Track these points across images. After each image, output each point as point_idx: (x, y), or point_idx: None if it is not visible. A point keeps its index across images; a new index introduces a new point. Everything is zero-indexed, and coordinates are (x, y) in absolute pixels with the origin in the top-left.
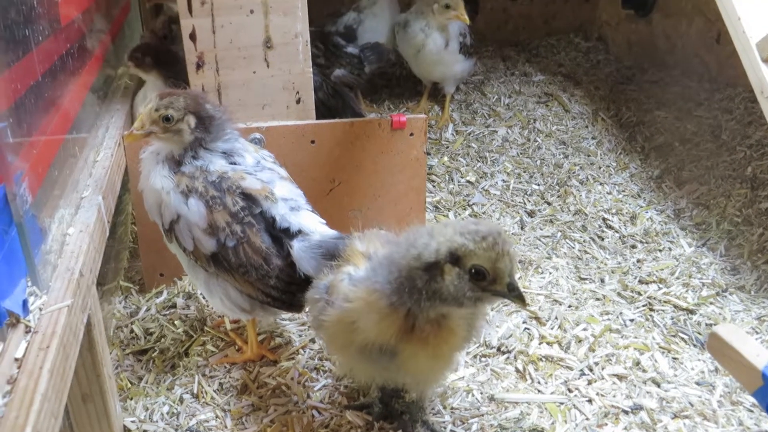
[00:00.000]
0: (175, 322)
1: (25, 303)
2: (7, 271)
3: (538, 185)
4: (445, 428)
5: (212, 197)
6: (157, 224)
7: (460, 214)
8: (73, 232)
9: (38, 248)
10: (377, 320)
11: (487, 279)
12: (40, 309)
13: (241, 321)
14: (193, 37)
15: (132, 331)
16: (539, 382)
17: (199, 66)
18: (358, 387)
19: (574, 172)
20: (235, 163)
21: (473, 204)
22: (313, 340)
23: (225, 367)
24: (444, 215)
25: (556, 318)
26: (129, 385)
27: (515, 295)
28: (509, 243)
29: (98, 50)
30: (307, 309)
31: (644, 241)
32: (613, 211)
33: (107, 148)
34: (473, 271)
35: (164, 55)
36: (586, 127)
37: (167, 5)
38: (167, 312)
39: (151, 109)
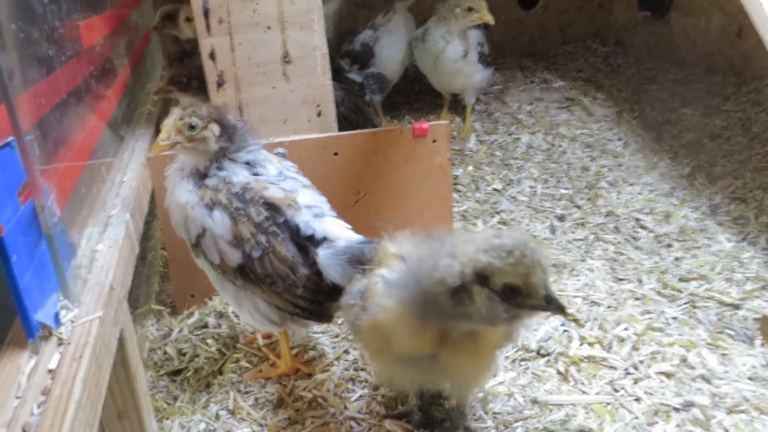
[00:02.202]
0: (208, 341)
1: (56, 315)
2: (38, 285)
3: (567, 189)
4: None
5: (236, 209)
6: (184, 240)
7: (488, 222)
8: (102, 248)
9: (68, 263)
10: (408, 334)
11: (522, 295)
12: (72, 321)
13: (274, 336)
14: (212, 56)
15: (165, 352)
16: (583, 383)
17: (219, 84)
18: (395, 396)
19: (602, 174)
20: (257, 174)
21: (501, 211)
22: (347, 351)
23: (260, 383)
24: (472, 224)
25: (596, 319)
26: (165, 406)
27: (554, 306)
28: (538, 252)
29: (120, 76)
30: (341, 315)
31: (681, 239)
32: (646, 210)
33: (133, 169)
34: (505, 289)
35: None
36: (611, 129)
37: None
38: (199, 332)
39: (176, 119)
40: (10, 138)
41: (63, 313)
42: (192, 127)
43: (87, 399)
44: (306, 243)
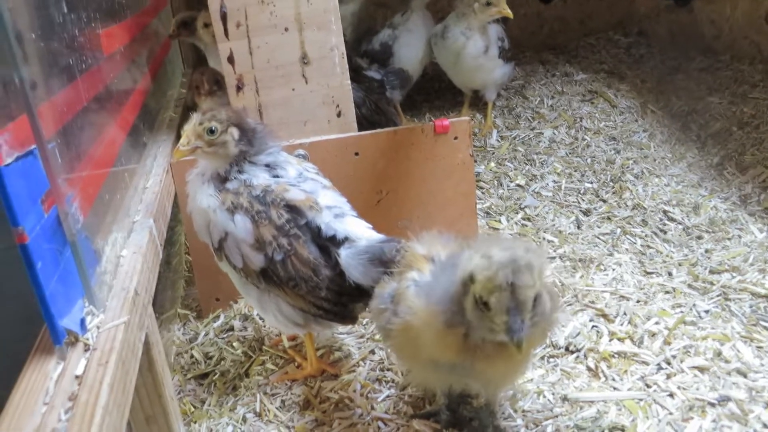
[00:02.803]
0: (234, 344)
1: (82, 321)
2: (63, 291)
3: (591, 183)
4: None
5: (257, 212)
6: (207, 244)
7: (512, 218)
8: (127, 254)
9: (93, 269)
10: (434, 339)
11: (489, 311)
12: (98, 327)
13: (299, 338)
14: (231, 60)
15: (192, 356)
16: (614, 380)
17: (239, 88)
18: (423, 395)
19: (627, 167)
20: (278, 176)
21: (525, 207)
22: (373, 352)
23: (286, 384)
24: (496, 220)
25: (625, 314)
26: (192, 409)
27: (510, 337)
28: (524, 278)
29: (141, 83)
30: (372, 319)
31: (710, 230)
32: (674, 202)
33: (156, 175)
34: (478, 300)
35: None
36: (636, 120)
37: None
38: (225, 335)
39: (195, 124)
40: (33, 146)
41: (89, 319)
42: (212, 132)
43: (114, 404)
44: (327, 244)
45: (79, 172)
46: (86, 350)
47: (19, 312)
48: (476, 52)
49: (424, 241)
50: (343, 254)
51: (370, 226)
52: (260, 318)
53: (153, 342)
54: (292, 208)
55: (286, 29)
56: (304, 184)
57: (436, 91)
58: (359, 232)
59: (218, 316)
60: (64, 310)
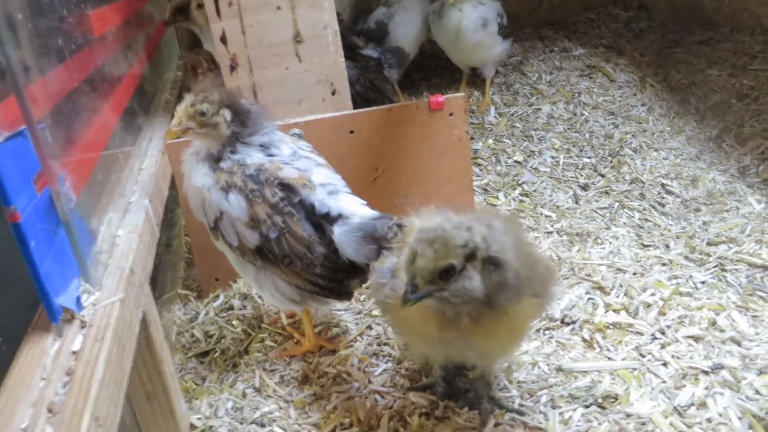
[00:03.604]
0: (233, 323)
1: (78, 299)
2: (59, 270)
3: (589, 158)
4: (513, 402)
5: (251, 190)
6: (203, 224)
7: (509, 194)
8: (123, 234)
9: (89, 249)
10: (415, 314)
11: None
12: (94, 305)
13: (298, 315)
14: (224, 40)
15: (193, 335)
16: (608, 350)
17: (232, 68)
18: (419, 369)
19: (626, 141)
20: (271, 155)
21: (523, 183)
22: (370, 327)
23: (285, 361)
24: (494, 197)
25: (621, 286)
26: (194, 386)
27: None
28: (422, 248)
29: (135, 66)
30: (371, 294)
31: (708, 202)
32: (672, 176)
33: (151, 156)
34: None
35: None
36: (635, 95)
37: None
38: (225, 314)
39: (187, 105)
40: (22, 127)
41: (85, 297)
42: (203, 114)
43: (110, 378)
44: (322, 221)
45: (70, 153)
46: (82, 327)
47: (24, 298)
48: (474, 27)
49: (423, 217)
50: (337, 231)
51: (364, 202)
52: (259, 297)
53: (150, 320)
54: (286, 186)
55: (279, 7)
56: (298, 162)
57: (433, 69)
58: (353, 208)
59: (218, 296)
60: (59, 288)
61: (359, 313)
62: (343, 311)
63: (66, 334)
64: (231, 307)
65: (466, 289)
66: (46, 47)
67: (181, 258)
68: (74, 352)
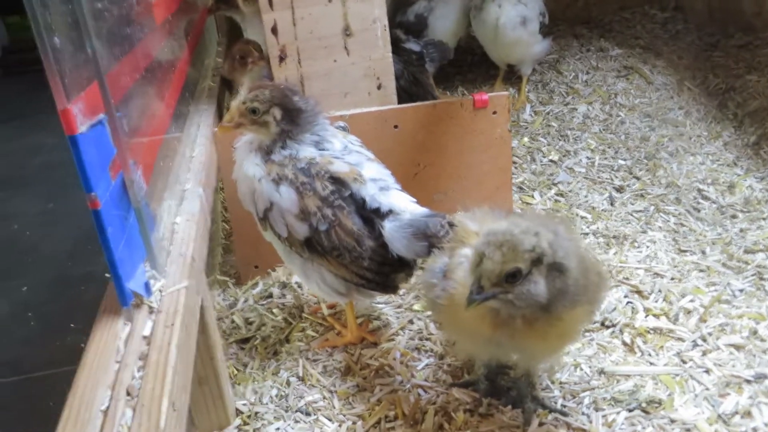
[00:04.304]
0: (274, 311)
1: (147, 285)
2: (129, 256)
3: (625, 160)
4: (555, 403)
5: (302, 183)
6: (251, 213)
7: (545, 194)
8: (181, 221)
9: (152, 235)
10: (470, 313)
11: None
12: (160, 291)
13: (338, 305)
14: (274, 30)
15: (233, 321)
16: (650, 355)
17: (281, 59)
18: (462, 365)
19: (662, 145)
20: (323, 149)
21: (558, 183)
22: (411, 322)
23: (327, 351)
24: (529, 195)
25: (660, 291)
26: (236, 372)
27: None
28: (491, 251)
29: (186, 51)
30: (423, 292)
31: (745, 210)
32: (709, 181)
33: (201, 144)
34: None
35: None
36: (672, 98)
37: None
38: (264, 302)
39: (240, 102)
40: (102, 114)
41: (151, 282)
42: (253, 111)
43: (181, 365)
44: (372, 216)
45: (139, 140)
46: (150, 312)
47: (52, 274)
48: (512, 24)
49: (475, 217)
50: (387, 227)
51: (414, 199)
52: (299, 286)
53: (206, 306)
54: (337, 180)
55: (330, 0)
56: (349, 156)
57: (468, 65)
58: (403, 205)
59: (257, 284)
60: (129, 273)
61: (399, 306)
62: (383, 304)
63: (136, 318)
64: (270, 295)
65: (531, 293)
66: (119, 36)
67: (218, 244)
68: (145, 337)
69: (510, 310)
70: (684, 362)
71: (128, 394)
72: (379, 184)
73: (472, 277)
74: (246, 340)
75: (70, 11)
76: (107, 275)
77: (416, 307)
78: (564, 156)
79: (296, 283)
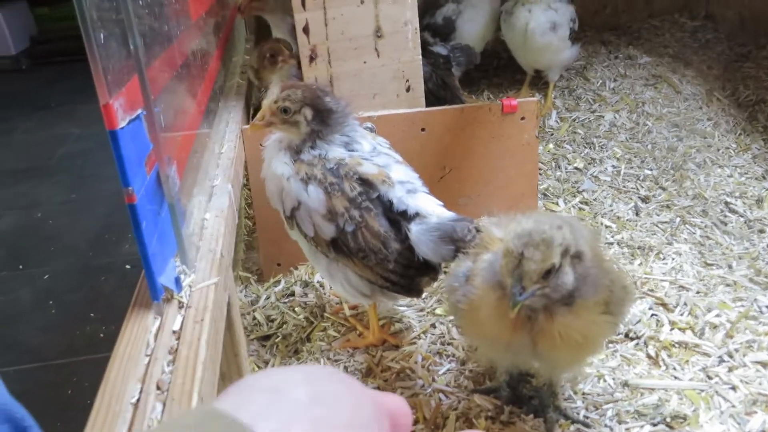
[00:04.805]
0: (296, 309)
1: (177, 280)
2: (160, 250)
3: (651, 170)
4: (578, 413)
5: (330, 183)
6: (279, 211)
7: (569, 201)
8: (210, 217)
9: (184, 230)
10: (490, 314)
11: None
12: (190, 286)
13: (360, 306)
14: (306, 30)
15: (254, 318)
16: (674, 369)
17: (312, 58)
18: (483, 371)
19: (689, 156)
20: (352, 150)
21: (583, 191)
22: (434, 326)
23: (348, 352)
24: (553, 202)
25: (685, 304)
26: (256, 369)
27: (510, 299)
28: (531, 251)
29: (217, 49)
30: (445, 296)
31: None
32: (736, 194)
33: (229, 141)
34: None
35: None
36: (700, 108)
37: None
38: (286, 300)
39: (271, 102)
40: (141, 110)
41: (181, 278)
42: (285, 111)
43: (209, 361)
44: (398, 218)
45: (174, 135)
46: (180, 307)
47: (74, 263)
48: (541, 29)
49: (500, 223)
50: (414, 229)
51: (442, 203)
52: (321, 285)
53: (233, 303)
54: (365, 182)
55: (362, 2)
56: (378, 158)
57: (494, 69)
58: (430, 208)
59: (279, 281)
60: (160, 268)
61: (422, 310)
62: (405, 307)
63: (166, 313)
64: (292, 294)
65: (564, 283)
66: (158, 32)
67: (240, 240)
68: (174, 332)
69: (536, 304)
70: (710, 378)
71: (158, 388)
72: (407, 187)
73: (510, 280)
74: (267, 338)
75: (114, 7)
76: (127, 266)
77: (439, 311)
78: (589, 164)
79: (318, 282)
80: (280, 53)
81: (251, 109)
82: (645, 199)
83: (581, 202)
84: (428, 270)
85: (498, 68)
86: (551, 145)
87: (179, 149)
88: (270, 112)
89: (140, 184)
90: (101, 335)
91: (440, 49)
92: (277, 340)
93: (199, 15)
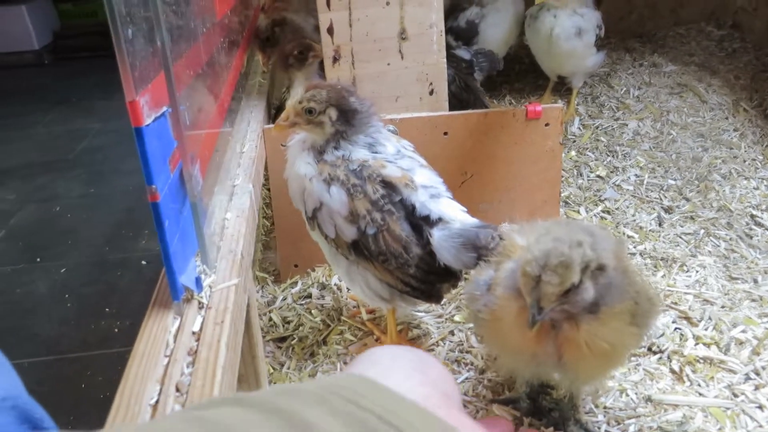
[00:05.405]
0: (312, 312)
1: (198, 280)
2: (182, 249)
3: (675, 180)
4: (599, 428)
5: (353, 185)
6: (300, 212)
7: (591, 210)
8: (231, 217)
9: (205, 230)
10: (512, 324)
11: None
12: (210, 287)
13: (378, 311)
14: (330, 30)
15: (270, 319)
16: (699, 385)
17: (335, 59)
18: (502, 381)
19: (714, 166)
20: (376, 152)
21: (605, 199)
22: (452, 333)
23: None
24: (575, 210)
25: (710, 318)
26: (272, 371)
27: (529, 318)
28: (549, 276)
29: (240, 48)
30: (466, 305)
31: None
32: (763, 207)
33: (251, 140)
34: None
35: None
36: (726, 118)
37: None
38: (303, 302)
39: (296, 102)
40: (166, 107)
41: (202, 278)
42: (310, 112)
43: (229, 363)
44: (421, 223)
45: (198, 133)
46: (200, 308)
47: (90, 257)
48: (566, 35)
49: (523, 231)
50: (436, 235)
51: (465, 209)
52: (338, 288)
53: (252, 304)
54: (388, 184)
55: (388, 3)
56: (402, 161)
57: (516, 74)
58: (453, 214)
59: (296, 282)
60: (181, 267)
61: (440, 317)
62: (423, 313)
63: (186, 313)
64: (309, 296)
65: (584, 298)
66: (185, 28)
67: (257, 239)
68: (194, 333)
69: (557, 316)
70: (735, 396)
71: (177, 390)
72: (431, 192)
73: (528, 299)
74: (283, 339)
75: (142, 2)
76: (143, 262)
77: (457, 318)
78: (612, 172)
79: (335, 284)
80: (311, 49)
81: (271, 109)
82: (668, 210)
83: (603, 211)
84: (449, 276)
85: (519, 73)
86: (573, 152)
87: (202, 148)
88: (294, 113)
89: (164, 183)
90: (115, 330)
91: (463, 53)
92: (293, 342)
93: (224, 13)
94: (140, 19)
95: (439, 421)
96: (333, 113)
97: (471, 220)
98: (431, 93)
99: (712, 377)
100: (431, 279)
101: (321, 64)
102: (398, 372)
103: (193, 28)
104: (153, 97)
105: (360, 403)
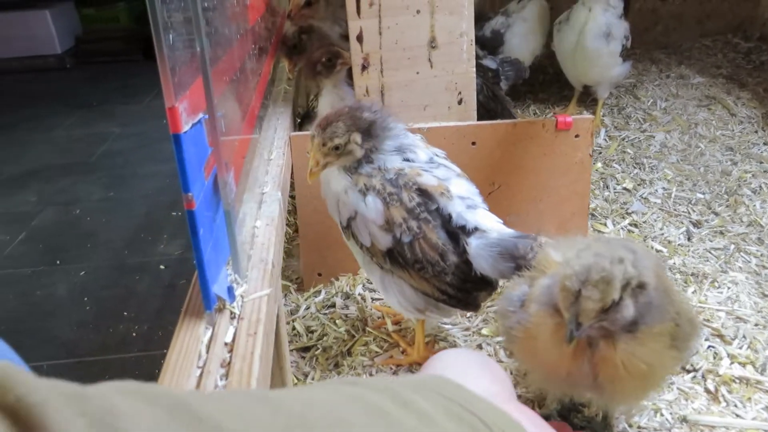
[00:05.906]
0: (336, 322)
1: (230, 289)
2: (214, 258)
3: (703, 194)
4: None
5: (389, 194)
6: (325, 221)
7: (618, 223)
8: (261, 225)
9: (237, 239)
10: (548, 341)
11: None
12: (242, 297)
13: (403, 323)
14: (360, 38)
15: (294, 328)
16: (736, 406)
17: (364, 67)
18: (533, 398)
19: (744, 180)
20: (408, 160)
21: (632, 213)
22: (480, 346)
23: (391, 368)
24: (601, 223)
25: (744, 336)
26: (296, 381)
27: (567, 333)
28: (589, 291)
29: (269, 54)
30: (499, 320)
31: None
32: None
33: (278, 148)
34: None
35: None
36: (756, 132)
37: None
38: (327, 311)
39: (319, 145)
40: (203, 114)
41: (234, 287)
42: (337, 148)
43: (262, 376)
44: (457, 231)
45: (232, 140)
46: (232, 318)
47: (109, 260)
48: (597, 30)
49: (559, 246)
50: (474, 244)
51: (501, 221)
52: (362, 298)
53: (280, 315)
54: (424, 193)
55: (418, 11)
56: (437, 170)
57: (540, 84)
58: (490, 224)
59: (319, 291)
60: (214, 276)
61: (467, 329)
62: (450, 326)
63: (218, 323)
64: (333, 305)
65: (624, 316)
66: (221, 34)
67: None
68: (227, 344)
69: (594, 333)
70: None
71: None
72: (467, 203)
73: (567, 315)
74: (307, 349)
75: (183, 8)
76: (161, 267)
77: (485, 331)
78: (639, 185)
79: (360, 294)
80: (340, 56)
81: (296, 117)
82: (697, 224)
83: (630, 224)
84: (485, 285)
85: (544, 83)
86: (599, 164)
87: (235, 155)
88: (323, 155)
89: (199, 190)
90: (133, 334)
91: (489, 62)
92: (317, 353)
93: (255, 20)
94: (180, 24)
95: (509, 417)
96: (357, 138)
97: (508, 231)
98: (460, 102)
99: (749, 398)
100: (467, 287)
101: (349, 71)
102: (471, 373)
103: (228, 34)
104: (191, 103)
105: (455, 400)
